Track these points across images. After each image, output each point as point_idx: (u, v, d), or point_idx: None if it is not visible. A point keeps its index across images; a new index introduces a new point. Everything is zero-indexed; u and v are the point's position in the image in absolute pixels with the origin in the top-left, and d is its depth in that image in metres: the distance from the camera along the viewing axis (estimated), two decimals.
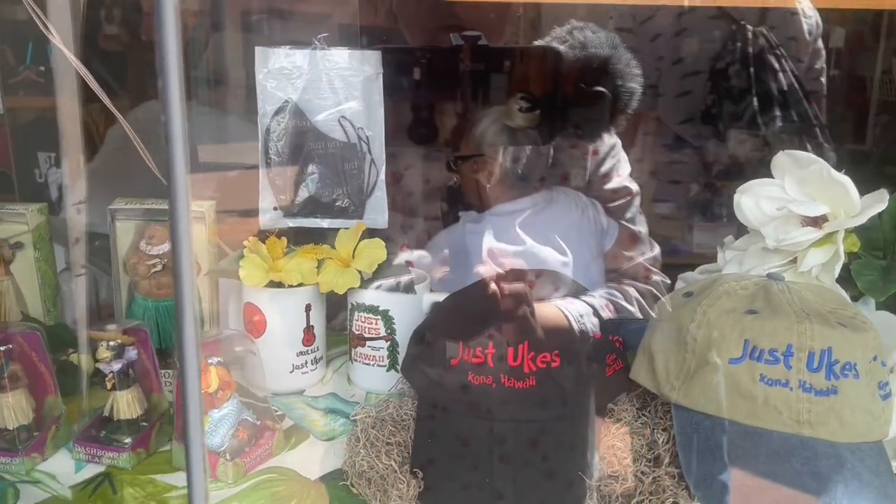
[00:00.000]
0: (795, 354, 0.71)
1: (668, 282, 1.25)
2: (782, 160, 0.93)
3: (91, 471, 0.82)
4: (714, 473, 0.69)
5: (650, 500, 0.70)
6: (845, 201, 0.86)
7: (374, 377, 1.01)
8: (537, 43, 1.30)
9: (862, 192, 0.87)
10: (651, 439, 0.75)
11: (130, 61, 1.86)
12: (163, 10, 0.37)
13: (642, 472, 0.73)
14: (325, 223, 1.19)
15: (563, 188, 1.48)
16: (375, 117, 1.19)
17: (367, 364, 1.01)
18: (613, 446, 0.76)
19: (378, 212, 1.20)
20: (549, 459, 0.74)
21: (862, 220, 0.85)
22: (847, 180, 0.86)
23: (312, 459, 0.85)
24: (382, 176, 1.20)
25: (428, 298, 1.01)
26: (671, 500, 0.68)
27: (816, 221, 0.90)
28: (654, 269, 1.26)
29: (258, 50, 1.15)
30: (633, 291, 1.16)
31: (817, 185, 0.90)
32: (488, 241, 1.20)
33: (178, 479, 0.81)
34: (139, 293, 0.99)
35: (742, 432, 0.70)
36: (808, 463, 0.67)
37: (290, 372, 1.00)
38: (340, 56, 1.16)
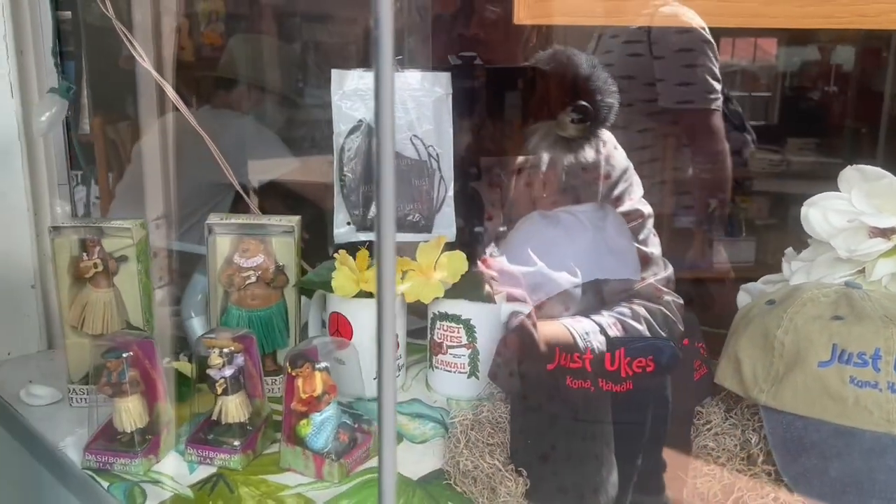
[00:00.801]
0: (883, 357, 0.75)
1: (681, 301, 1.29)
2: (850, 174, 0.97)
3: (203, 472, 0.86)
4: (810, 470, 0.73)
5: (749, 496, 0.74)
6: None
7: (456, 384, 1.05)
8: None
9: None
10: (743, 439, 0.79)
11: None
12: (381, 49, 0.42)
13: (738, 470, 0.77)
14: (397, 237, 1.23)
15: (606, 204, 1.54)
16: (445, 136, 1.24)
17: (449, 371, 1.06)
18: (706, 446, 0.80)
19: (447, 226, 1.25)
20: (646, 458, 0.78)
21: None
22: None
23: (410, 461, 0.90)
24: (451, 192, 1.24)
25: (507, 308, 1.06)
26: (772, 495, 0.72)
27: (885, 233, 0.94)
28: (665, 290, 1.30)
29: (334, 72, 1.20)
30: (642, 310, 1.18)
31: (886, 198, 0.94)
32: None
33: (288, 478, 0.85)
34: (233, 303, 1.04)
35: (834, 431, 0.74)
36: None
37: (375, 378, 1.04)
38: (413, 77, 1.21)
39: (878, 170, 0.96)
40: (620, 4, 1.18)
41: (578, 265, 1.13)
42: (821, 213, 0.99)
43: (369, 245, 1.08)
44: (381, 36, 0.42)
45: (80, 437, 0.91)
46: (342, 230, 1.21)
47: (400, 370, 1.08)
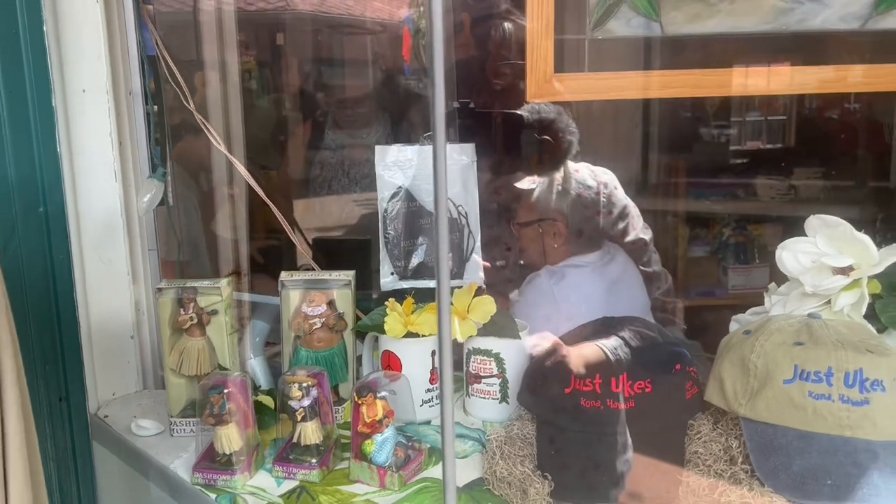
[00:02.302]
0: (835, 374, 0.93)
1: (681, 305, 1.51)
2: (814, 222, 1.16)
3: (287, 485, 1.06)
4: (778, 467, 0.91)
5: (730, 490, 0.92)
6: (866, 254, 1.10)
7: (489, 408, 1.25)
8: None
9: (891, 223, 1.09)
10: (727, 444, 0.98)
11: None
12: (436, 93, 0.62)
13: (722, 470, 0.95)
14: (432, 283, 1.43)
15: (613, 244, 1.76)
16: (471, 196, 1.45)
17: (483, 398, 1.25)
18: (696, 452, 0.99)
19: (474, 272, 1.45)
20: (646, 462, 0.96)
21: (881, 268, 1.08)
22: (866, 238, 1.10)
23: (456, 471, 1.08)
24: (478, 244, 1.45)
25: (531, 342, 1.25)
26: (746, 488, 0.91)
27: (844, 271, 1.13)
28: (668, 299, 1.51)
29: (378, 148, 1.42)
30: (653, 321, 1.38)
31: (843, 242, 1.13)
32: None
33: (356, 488, 1.05)
34: (302, 346, 1.25)
35: (797, 435, 0.93)
36: (850, 456, 0.89)
37: (420, 406, 1.24)
38: None
39: (837, 218, 1.15)
40: (614, 83, 1.40)
41: (590, 311, 1.33)
42: (792, 254, 1.18)
43: (414, 293, 1.28)
44: (437, 121, 0.63)
45: (186, 459, 1.12)
46: (387, 279, 1.42)
47: (439, 398, 1.28)
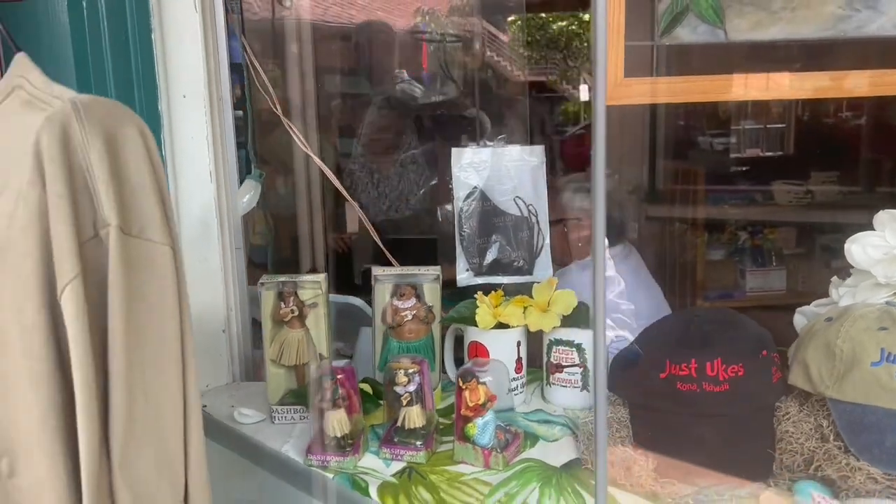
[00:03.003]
0: None
1: None
2: (883, 217, 1.23)
3: (395, 466, 1.12)
4: (871, 443, 0.98)
5: (826, 465, 0.98)
6: None
7: (571, 396, 1.31)
8: None
9: None
10: (816, 424, 1.04)
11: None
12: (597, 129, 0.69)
13: (815, 447, 1.02)
14: (504, 279, 1.51)
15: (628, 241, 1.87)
16: (540, 196, 1.52)
17: (565, 386, 1.31)
18: (787, 431, 1.05)
19: (543, 268, 1.52)
20: (742, 440, 1.03)
21: None
22: None
23: (550, 455, 1.15)
24: (547, 240, 1.52)
25: (611, 334, 1.32)
26: (843, 462, 0.97)
27: None
28: None
29: (454, 151, 1.49)
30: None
31: None
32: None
33: (461, 468, 1.11)
34: (392, 337, 1.31)
35: (886, 413, 0.99)
36: None
37: (506, 393, 1.30)
38: (513, 151, 1.50)
39: None
40: (682, 86, 1.46)
41: (619, 300, 1.40)
42: (861, 247, 1.25)
43: (503, 287, 1.35)
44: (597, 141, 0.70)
45: (293, 444, 1.18)
46: (463, 275, 1.49)
47: (523, 386, 1.34)
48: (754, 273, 3.90)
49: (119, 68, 1.21)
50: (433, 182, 2.91)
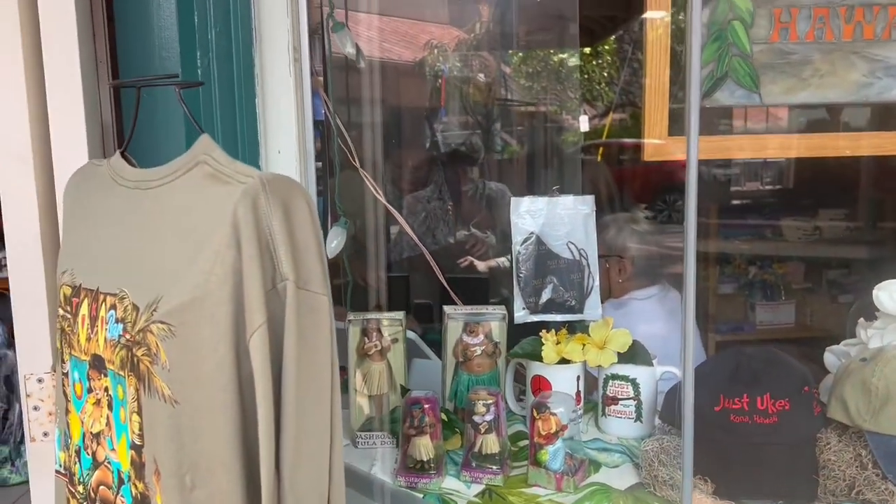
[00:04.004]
0: None
1: None
2: None
3: (475, 489, 1.25)
4: None
5: (866, 490, 1.12)
6: None
7: (626, 427, 1.44)
8: None
9: None
10: (856, 453, 1.17)
11: None
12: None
13: (855, 474, 1.15)
14: (558, 317, 1.64)
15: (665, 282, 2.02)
16: (590, 241, 1.66)
17: (620, 417, 1.44)
18: (829, 459, 1.19)
19: (593, 307, 1.66)
20: (790, 466, 1.16)
21: None
22: None
23: (612, 479, 1.28)
24: (597, 282, 1.66)
25: (660, 370, 1.45)
26: (882, 487, 1.10)
27: None
28: None
29: (513, 200, 1.64)
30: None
31: None
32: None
33: (535, 491, 1.24)
34: (462, 370, 1.45)
35: None
36: None
37: (569, 423, 1.43)
38: (567, 200, 1.64)
39: None
40: (722, 144, 1.62)
41: (652, 342, 1.53)
42: (888, 294, 1.39)
43: (568, 326, 1.48)
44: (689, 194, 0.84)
45: (379, 467, 1.31)
46: (520, 314, 1.63)
47: (581, 417, 1.47)
48: (764, 307, 4.03)
49: (227, 129, 1.36)
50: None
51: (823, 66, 1.58)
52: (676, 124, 1.58)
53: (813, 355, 1.56)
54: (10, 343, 2.96)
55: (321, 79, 1.58)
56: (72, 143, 1.15)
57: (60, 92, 1.16)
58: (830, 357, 1.51)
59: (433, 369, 1.64)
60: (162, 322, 0.81)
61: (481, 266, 2.94)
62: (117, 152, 1.00)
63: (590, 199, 1.66)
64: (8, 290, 2.96)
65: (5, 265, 2.95)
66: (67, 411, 0.98)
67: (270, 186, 0.82)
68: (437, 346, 1.62)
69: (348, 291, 1.52)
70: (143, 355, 0.83)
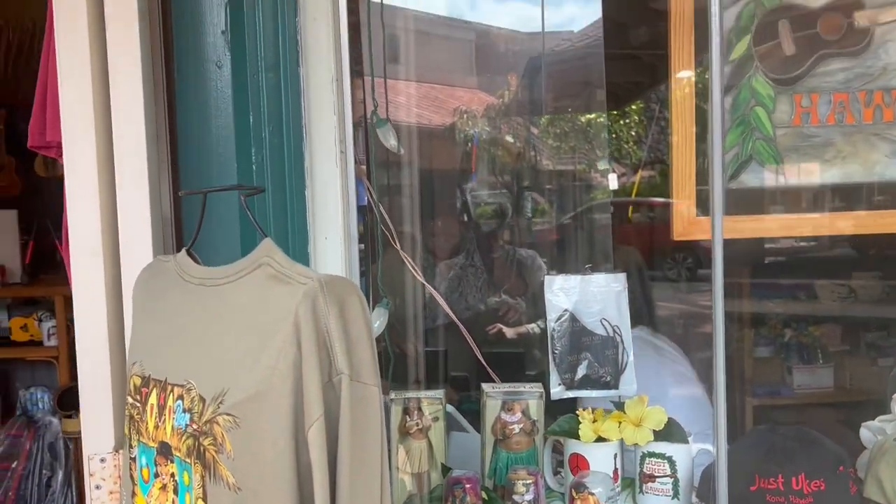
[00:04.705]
0: None
1: None
2: None
3: None
4: None
5: None
6: None
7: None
8: None
9: None
10: None
11: None
12: None
13: None
14: (594, 394, 1.68)
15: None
16: (623, 318, 1.70)
17: (657, 495, 1.47)
18: None
19: (628, 383, 1.69)
20: None
21: None
22: None
23: None
24: (631, 358, 1.70)
25: (695, 447, 1.48)
26: None
27: None
28: None
29: (547, 278, 1.70)
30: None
31: None
32: None
33: None
34: (501, 448, 1.49)
35: None
36: None
37: (605, 501, 1.46)
38: (599, 278, 1.70)
39: None
40: (748, 224, 1.67)
41: (644, 378, 1.55)
42: None
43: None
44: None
45: None
46: (556, 389, 1.67)
47: (619, 494, 1.50)
48: (801, 370, 3.98)
49: (279, 217, 1.45)
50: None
51: (846, 148, 1.64)
52: (704, 204, 1.64)
53: (854, 420, 1.56)
54: (54, 410, 3.07)
55: (364, 167, 1.68)
56: (138, 239, 1.25)
57: (129, 192, 1.26)
58: (866, 433, 1.53)
59: (472, 443, 1.68)
60: (228, 414, 0.88)
61: (510, 333, 2.99)
62: (183, 250, 1.09)
63: (621, 276, 1.71)
64: (54, 358, 3.06)
65: (53, 334, 3.08)
66: (134, 494, 1.04)
67: (328, 288, 0.89)
68: (474, 414, 1.66)
69: (390, 368, 1.58)
70: (209, 444, 0.90)
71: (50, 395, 3.09)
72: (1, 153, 3.79)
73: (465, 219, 4.09)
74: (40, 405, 3.08)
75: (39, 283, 3.22)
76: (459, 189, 4.30)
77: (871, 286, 4.10)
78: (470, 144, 5.26)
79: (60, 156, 1.32)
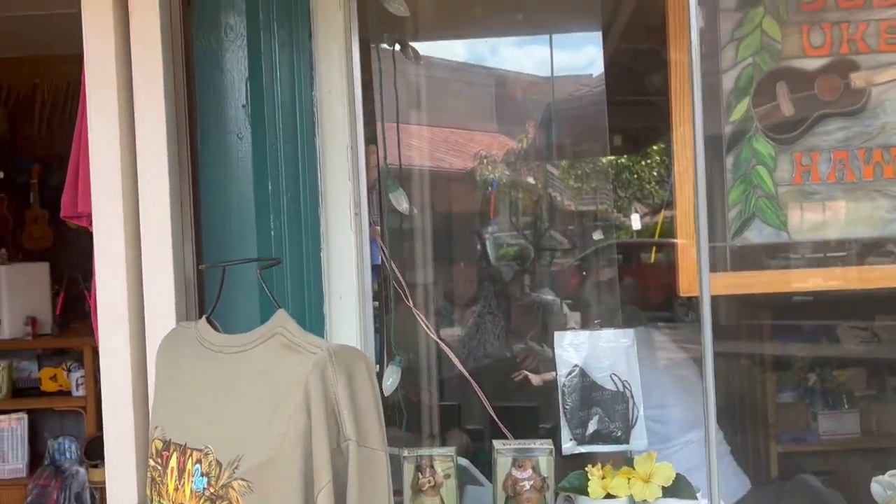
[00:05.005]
0: None
1: None
2: None
3: None
4: None
5: None
6: None
7: None
8: None
9: None
10: None
11: None
12: None
13: None
14: (605, 448, 1.70)
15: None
16: (633, 373, 1.73)
17: None
18: None
19: (639, 437, 1.72)
20: None
21: None
22: None
23: None
24: (641, 412, 1.72)
25: (704, 503, 1.50)
26: None
27: None
28: None
29: (556, 333, 1.74)
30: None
31: None
32: None
33: None
34: None
35: None
36: None
37: None
38: (608, 333, 1.74)
39: None
40: (752, 279, 1.71)
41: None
42: None
43: (612, 461, 1.55)
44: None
45: None
46: (567, 445, 1.70)
47: None
48: (827, 416, 3.92)
49: (295, 280, 1.51)
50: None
51: (848, 204, 1.68)
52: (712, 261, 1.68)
53: (882, 467, 1.56)
54: (81, 460, 3.13)
55: (378, 228, 1.75)
56: (162, 305, 1.31)
57: (154, 260, 1.34)
58: (877, 487, 1.54)
59: (486, 496, 1.70)
60: (242, 479, 0.93)
61: (536, 380, 3.00)
62: (203, 318, 1.16)
63: (630, 332, 1.75)
64: (82, 408, 3.12)
65: (82, 384, 3.16)
66: None
67: (336, 357, 0.95)
68: (489, 465, 1.69)
69: (403, 423, 1.62)
70: None
71: (77, 444, 3.16)
72: (35, 206, 3.94)
73: (484, 264, 4.13)
74: (68, 454, 3.15)
75: (69, 333, 3.31)
76: (477, 234, 4.35)
77: (894, 329, 4.05)
78: (490, 189, 5.33)
79: (90, 224, 1.41)
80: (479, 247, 4.12)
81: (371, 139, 1.72)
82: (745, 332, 4.19)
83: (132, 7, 1.38)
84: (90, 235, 1.40)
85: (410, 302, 1.72)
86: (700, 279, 1.43)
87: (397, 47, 1.76)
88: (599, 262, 3.70)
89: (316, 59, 1.55)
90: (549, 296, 3.51)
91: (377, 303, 1.77)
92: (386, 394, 1.61)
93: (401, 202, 1.67)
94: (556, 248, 4.95)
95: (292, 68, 1.53)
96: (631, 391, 1.73)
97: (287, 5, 1.51)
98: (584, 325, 2.63)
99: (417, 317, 1.70)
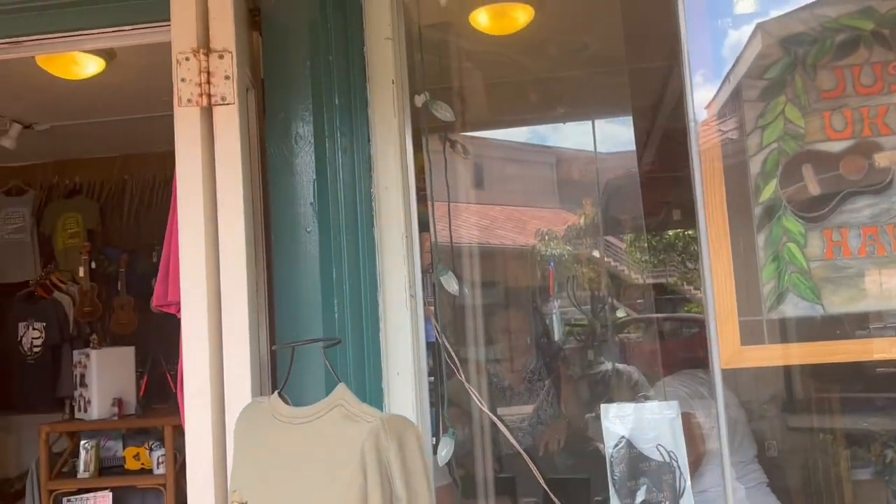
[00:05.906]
0: None
1: None
2: None
3: None
4: None
5: None
6: None
7: None
8: None
9: None
10: None
11: None
12: None
13: None
14: None
15: None
16: (679, 444, 1.80)
17: None
18: None
19: None
20: None
21: None
22: None
23: None
24: (689, 483, 1.78)
25: None
26: None
27: None
28: None
29: (603, 406, 1.82)
30: None
31: None
32: None
33: None
34: None
35: None
36: None
37: None
38: (652, 405, 1.82)
39: None
40: (789, 351, 1.77)
41: None
42: None
43: None
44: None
45: None
46: None
47: None
48: None
49: (357, 358, 1.67)
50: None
51: (881, 277, 1.74)
52: (747, 334, 1.76)
53: None
54: None
55: (432, 308, 1.90)
56: (239, 382, 1.48)
57: (233, 342, 1.51)
58: None
59: None
60: None
61: None
62: (276, 392, 1.31)
63: (674, 404, 1.82)
64: (162, 485, 3.28)
65: (162, 462, 3.33)
66: None
67: (388, 425, 1.08)
68: None
69: (458, 494, 1.73)
70: None
71: None
72: (122, 293, 4.25)
73: (546, 340, 4.20)
74: None
75: (151, 413, 3.53)
76: (535, 308, 4.43)
77: None
78: (548, 267, 5.44)
79: (178, 311, 1.60)
80: (538, 321, 4.21)
81: (425, 226, 1.90)
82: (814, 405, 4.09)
83: (216, 122, 1.60)
84: (172, 321, 1.59)
85: (462, 376, 1.84)
86: (710, 354, 1.51)
87: (448, 145, 1.95)
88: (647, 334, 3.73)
89: (374, 160, 1.75)
90: (607, 366, 3.54)
91: (433, 378, 1.90)
92: (440, 464, 1.72)
93: (451, 285, 1.82)
94: (621, 322, 4.97)
95: (353, 169, 1.73)
96: (678, 462, 1.79)
97: (348, 115, 1.72)
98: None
99: (470, 391, 1.82)
